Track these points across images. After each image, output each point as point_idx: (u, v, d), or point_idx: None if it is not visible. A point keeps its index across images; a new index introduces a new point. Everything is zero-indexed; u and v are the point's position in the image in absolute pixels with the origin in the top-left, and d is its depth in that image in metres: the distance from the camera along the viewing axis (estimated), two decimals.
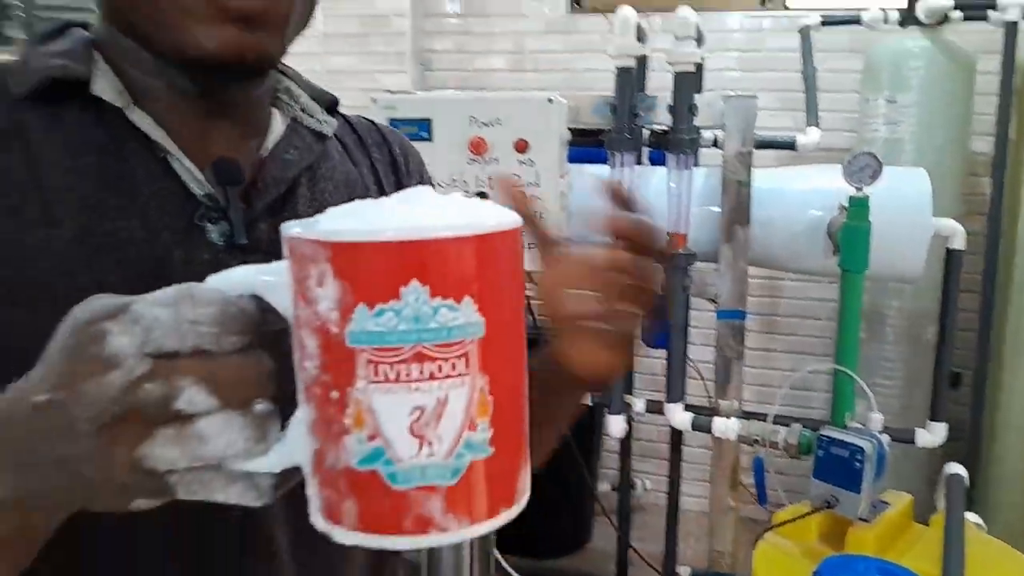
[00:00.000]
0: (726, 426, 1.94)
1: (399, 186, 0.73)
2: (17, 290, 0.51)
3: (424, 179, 0.78)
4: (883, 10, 2.63)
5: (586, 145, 2.14)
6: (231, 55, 0.53)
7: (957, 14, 2.51)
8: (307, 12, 0.59)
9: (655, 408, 2.19)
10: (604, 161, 2.04)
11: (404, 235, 0.35)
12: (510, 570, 2.39)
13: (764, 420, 1.90)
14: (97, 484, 0.36)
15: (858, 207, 1.72)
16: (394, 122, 1.83)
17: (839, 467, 1.62)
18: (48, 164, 0.54)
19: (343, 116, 0.73)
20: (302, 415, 0.38)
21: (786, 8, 3.11)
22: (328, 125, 0.67)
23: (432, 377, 0.35)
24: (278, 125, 0.65)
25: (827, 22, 2.77)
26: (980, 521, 1.73)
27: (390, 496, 0.36)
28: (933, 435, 2.02)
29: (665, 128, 1.97)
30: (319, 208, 0.57)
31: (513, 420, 0.39)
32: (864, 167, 1.69)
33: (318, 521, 0.39)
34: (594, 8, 3.22)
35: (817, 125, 2.65)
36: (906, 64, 2.58)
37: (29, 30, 4.14)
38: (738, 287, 1.96)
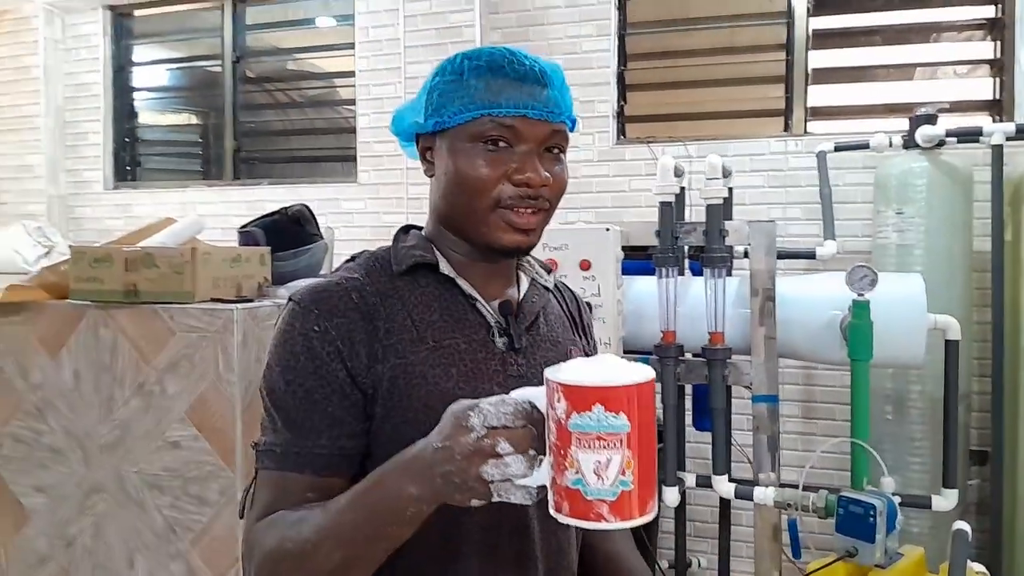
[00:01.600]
0: (764, 494, 2.26)
1: (579, 324, 1.15)
2: (404, 375, 0.92)
3: (590, 323, 1.20)
4: (888, 134, 3.01)
5: (637, 258, 2.56)
6: (514, 248, 0.96)
7: (951, 139, 2.87)
8: (552, 215, 1.00)
9: (704, 482, 2.51)
10: (652, 272, 2.42)
11: (591, 383, 0.69)
12: None
13: (796, 488, 2.23)
14: (458, 487, 0.73)
15: (860, 309, 2.09)
16: None
17: (857, 522, 1.94)
18: (415, 309, 0.97)
19: (553, 279, 1.15)
20: (547, 460, 0.73)
21: (806, 132, 3.52)
22: (549, 282, 1.10)
23: (604, 448, 0.68)
24: (524, 282, 1.07)
25: (840, 148, 3.14)
26: (984, 570, 2.02)
27: (584, 502, 0.70)
28: (947, 500, 2.31)
29: (702, 245, 2.37)
30: (551, 329, 1.05)
31: (646, 474, 0.70)
32: (862, 277, 2.07)
33: (552, 511, 0.73)
34: (636, 138, 3.71)
35: (834, 238, 3.00)
36: (910, 182, 2.89)
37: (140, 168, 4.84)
38: (769, 375, 2.31)
